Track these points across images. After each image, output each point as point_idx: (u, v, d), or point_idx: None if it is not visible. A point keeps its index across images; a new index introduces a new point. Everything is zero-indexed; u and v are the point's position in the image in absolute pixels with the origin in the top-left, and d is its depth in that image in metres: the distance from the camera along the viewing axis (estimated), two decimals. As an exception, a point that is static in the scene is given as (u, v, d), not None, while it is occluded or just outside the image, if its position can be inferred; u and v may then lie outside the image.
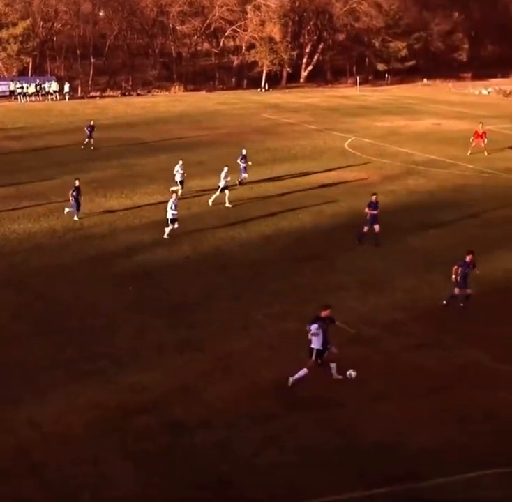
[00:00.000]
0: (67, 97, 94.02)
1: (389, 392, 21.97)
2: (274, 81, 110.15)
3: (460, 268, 28.17)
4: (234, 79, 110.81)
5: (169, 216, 35.61)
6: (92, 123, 59.68)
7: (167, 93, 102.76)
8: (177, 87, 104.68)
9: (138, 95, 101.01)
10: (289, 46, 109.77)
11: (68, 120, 75.01)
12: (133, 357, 23.98)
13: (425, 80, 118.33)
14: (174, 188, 41.44)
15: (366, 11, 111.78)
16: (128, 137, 61.82)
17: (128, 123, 70.53)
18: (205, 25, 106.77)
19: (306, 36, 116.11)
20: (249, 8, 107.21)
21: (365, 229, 35.23)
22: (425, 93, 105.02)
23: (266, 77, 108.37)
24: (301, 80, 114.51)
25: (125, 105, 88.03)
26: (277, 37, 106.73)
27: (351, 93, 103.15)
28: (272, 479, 17.84)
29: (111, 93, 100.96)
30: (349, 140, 63.21)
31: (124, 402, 21.14)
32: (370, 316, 27.51)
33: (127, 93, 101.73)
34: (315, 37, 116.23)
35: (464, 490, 17.57)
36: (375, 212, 35.14)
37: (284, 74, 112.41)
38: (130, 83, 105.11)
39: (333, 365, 22.31)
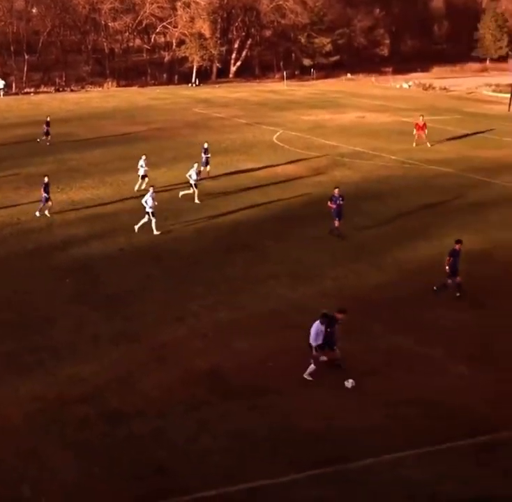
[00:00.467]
0: (1, 93, 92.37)
1: (319, 379, 22.01)
2: (204, 76, 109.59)
3: (451, 258, 28.15)
4: (165, 75, 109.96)
5: (149, 210, 35.12)
6: (48, 118, 58.69)
7: (100, 88, 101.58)
8: (110, 83, 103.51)
9: (72, 91, 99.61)
10: (218, 42, 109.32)
11: (3, 116, 73.62)
12: (71, 349, 23.71)
13: (349, 75, 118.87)
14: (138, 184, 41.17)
15: (292, 8, 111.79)
16: (63, 132, 60.87)
17: (62, 118, 69.44)
18: (136, 22, 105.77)
19: (235, 32, 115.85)
20: (179, 4, 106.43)
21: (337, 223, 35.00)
22: (349, 87, 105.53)
23: (197, 72, 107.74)
24: (231, 75, 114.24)
25: (60, 101, 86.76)
26: (206, 33, 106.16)
27: (278, 87, 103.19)
28: (206, 465, 17.81)
29: (45, 89, 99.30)
30: (278, 133, 63.22)
31: (63, 393, 20.93)
32: (299, 303, 27.57)
33: (61, 89, 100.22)
34: (243, 34, 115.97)
35: (390, 470, 17.73)
36: (335, 206, 34.93)
37: (214, 69, 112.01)
38: (64, 79, 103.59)
39: (312, 366, 22.05)
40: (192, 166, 40.83)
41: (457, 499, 16.71)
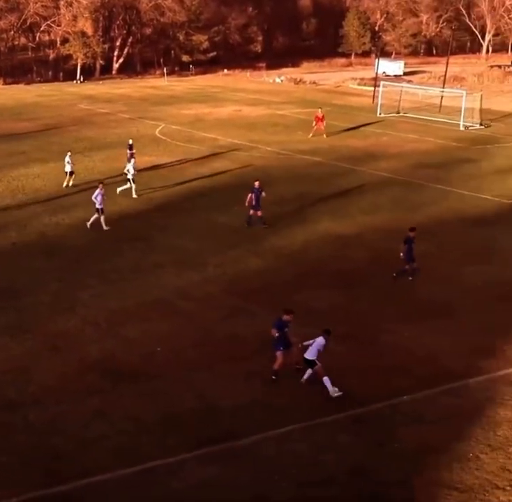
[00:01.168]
0: None
1: (204, 361, 22.13)
2: (88, 73, 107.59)
3: (406, 245, 28.45)
4: (50, 72, 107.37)
5: (99, 206, 34.28)
6: None
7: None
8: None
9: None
10: (101, 40, 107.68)
11: None
12: (-34, 342, 23.21)
13: (225, 70, 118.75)
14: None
15: (170, 6, 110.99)
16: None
17: (-50, 116, 67.47)
18: (21, 20, 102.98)
19: (116, 30, 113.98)
20: (62, 3, 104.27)
21: (251, 212, 35.01)
22: (226, 82, 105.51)
23: (81, 69, 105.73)
24: (114, 72, 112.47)
25: None
26: (89, 31, 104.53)
27: (159, 83, 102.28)
28: (101, 450, 17.71)
29: None
30: (160, 127, 62.75)
31: (-41, 386, 20.47)
32: (185, 291, 27.61)
33: None
34: (125, 32, 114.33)
35: (275, 445, 18.00)
36: (252, 195, 34.91)
37: (98, 66, 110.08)
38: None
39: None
40: (130, 161, 40.50)
41: (338, 468, 17.10)
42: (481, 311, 26.03)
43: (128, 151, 45.47)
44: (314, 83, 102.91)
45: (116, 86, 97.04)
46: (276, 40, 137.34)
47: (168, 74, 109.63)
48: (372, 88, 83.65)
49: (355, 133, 62.03)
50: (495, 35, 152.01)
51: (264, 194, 35.03)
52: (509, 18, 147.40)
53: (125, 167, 41.91)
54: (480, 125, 67.13)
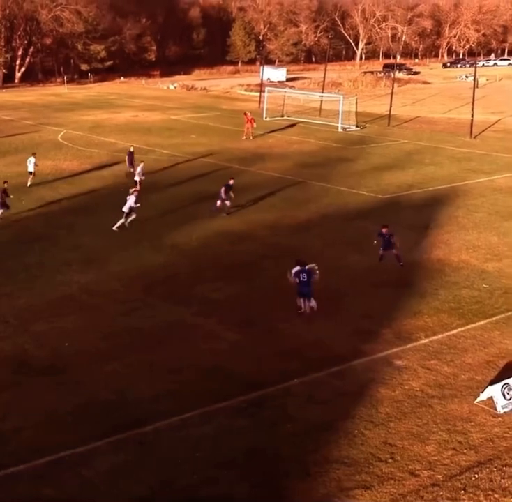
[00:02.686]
0: None
1: (110, 353, 21.80)
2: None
3: (380, 238, 29.20)
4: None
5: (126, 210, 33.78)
6: None
7: None
8: None
9: None
10: (3, 49, 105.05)
11: None
12: None
13: (122, 78, 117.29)
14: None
15: (68, 18, 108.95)
16: None
17: None
18: None
19: (18, 40, 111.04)
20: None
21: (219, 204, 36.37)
22: (123, 89, 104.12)
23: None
24: (16, 80, 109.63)
25: None
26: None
27: (60, 91, 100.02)
28: (15, 442, 17.23)
29: None
30: (62, 133, 61.42)
31: None
32: (91, 287, 27.12)
33: None
34: (26, 42, 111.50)
35: (178, 430, 17.83)
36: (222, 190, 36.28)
37: (0, 75, 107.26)
38: None
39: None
40: (139, 165, 40.75)
41: (237, 449, 17.11)
42: (363, 297, 26.47)
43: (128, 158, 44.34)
44: (205, 89, 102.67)
45: (19, 94, 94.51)
46: (169, 49, 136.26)
47: (68, 82, 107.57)
48: (258, 94, 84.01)
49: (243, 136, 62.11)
50: (367, 43, 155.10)
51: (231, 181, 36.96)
52: (379, 28, 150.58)
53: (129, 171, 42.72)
54: (357, 126, 68.28)
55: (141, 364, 21.14)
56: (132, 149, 45.17)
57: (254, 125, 60.71)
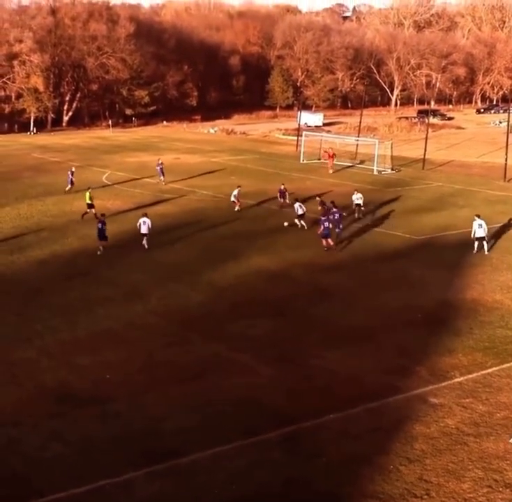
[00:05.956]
0: None
1: (151, 384, 21.85)
2: (41, 125, 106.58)
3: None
4: (6, 124, 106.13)
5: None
6: None
7: None
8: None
9: None
10: (52, 95, 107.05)
11: None
12: None
13: (164, 122, 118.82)
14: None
15: (114, 65, 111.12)
16: None
17: None
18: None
19: (66, 86, 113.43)
20: (16, 62, 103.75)
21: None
22: (165, 132, 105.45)
23: (34, 122, 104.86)
24: (64, 124, 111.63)
25: None
26: (41, 87, 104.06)
27: (105, 134, 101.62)
28: (57, 470, 17.25)
29: None
30: (107, 174, 62.32)
31: None
32: (132, 320, 27.26)
33: None
34: (73, 87, 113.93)
35: (214, 462, 17.70)
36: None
37: (49, 119, 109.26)
38: None
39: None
40: (235, 190, 46.67)
41: (272, 481, 16.92)
42: (396, 334, 26.22)
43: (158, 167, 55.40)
44: (244, 133, 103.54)
45: (66, 137, 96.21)
46: (209, 95, 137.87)
47: (113, 125, 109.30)
48: (296, 138, 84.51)
49: (282, 178, 62.13)
50: (402, 90, 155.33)
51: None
52: (414, 76, 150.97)
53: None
54: (392, 170, 68.27)
55: (178, 396, 21.10)
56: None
57: (334, 160, 65.19)
